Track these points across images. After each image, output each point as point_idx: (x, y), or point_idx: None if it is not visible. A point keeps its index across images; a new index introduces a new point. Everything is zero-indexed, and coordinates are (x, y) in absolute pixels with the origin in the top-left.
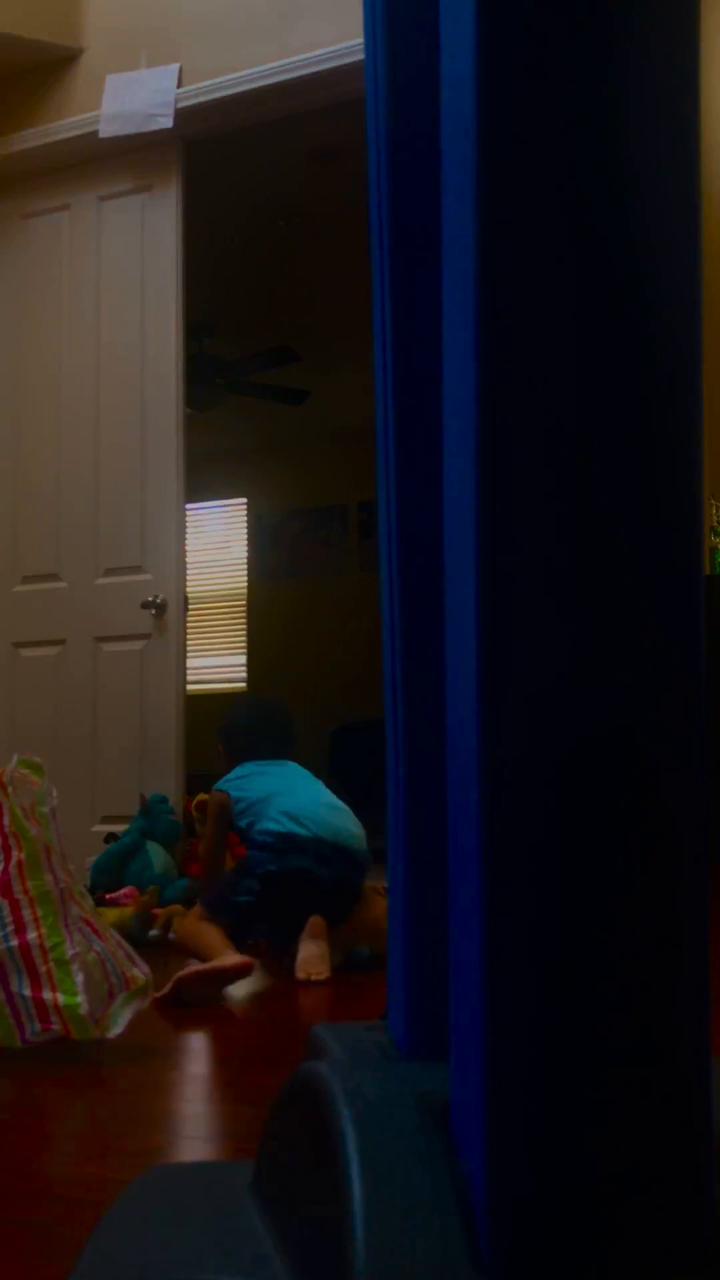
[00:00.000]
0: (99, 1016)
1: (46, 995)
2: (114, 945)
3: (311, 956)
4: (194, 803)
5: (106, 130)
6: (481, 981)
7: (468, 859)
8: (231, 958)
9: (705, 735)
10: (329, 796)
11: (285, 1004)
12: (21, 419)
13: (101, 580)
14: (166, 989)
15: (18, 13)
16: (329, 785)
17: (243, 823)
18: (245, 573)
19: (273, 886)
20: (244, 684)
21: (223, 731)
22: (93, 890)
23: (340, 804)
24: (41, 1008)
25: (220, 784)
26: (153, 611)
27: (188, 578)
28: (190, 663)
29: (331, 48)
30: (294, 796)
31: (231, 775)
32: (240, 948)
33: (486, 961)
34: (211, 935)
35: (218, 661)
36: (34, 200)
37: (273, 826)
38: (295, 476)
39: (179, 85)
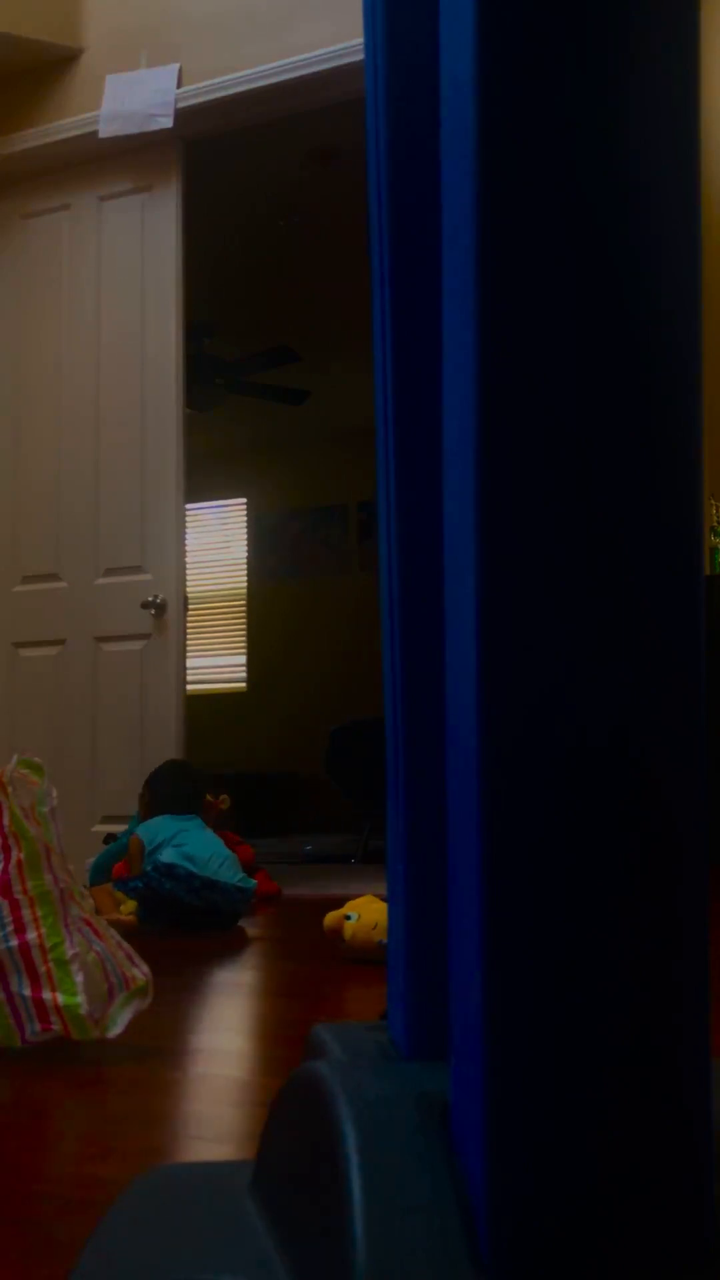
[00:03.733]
0: (99, 1016)
1: (46, 995)
2: (114, 945)
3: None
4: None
5: (106, 130)
6: (481, 981)
7: (467, 859)
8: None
9: (705, 736)
10: (218, 846)
11: (285, 1004)
12: (21, 419)
13: (101, 580)
14: None
15: (18, 13)
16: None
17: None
18: (245, 573)
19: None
20: (244, 684)
21: (150, 785)
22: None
23: (226, 853)
24: (41, 1008)
25: (139, 830)
26: (153, 611)
27: (188, 578)
28: (190, 663)
29: (331, 48)
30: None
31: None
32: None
33: (486, 961)
34: (105, 897)
35: (218, 661)
36: (34, 200)
37: (161, 858)
38: (295, 476)
39: (179, 85)
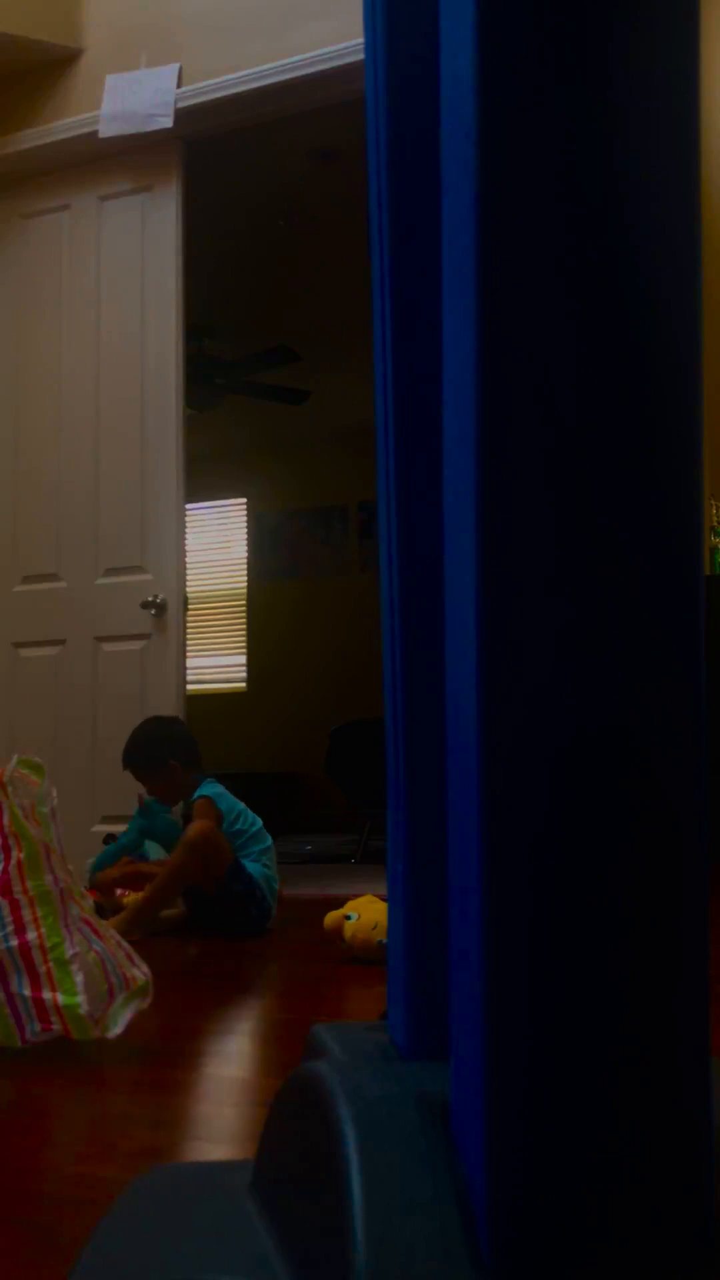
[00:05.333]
0: (99, 1016)
1: (46, 995)
2: (114, 945)
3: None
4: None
5: (106, 130)
6: (481, 981)
7: (467, 858)
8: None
9: (705, 735)
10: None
11: (285, 1004)
12: (21, 419)
13: (101, 580)
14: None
15: (18, 13)
16: (329, 786)
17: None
18: (245, 573)
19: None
20: (244, 684)
21: (165, 743)
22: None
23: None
24: (41, 1008)
25: (209, 795)
26: (153, 611)
27: (188, 578)
28: (190, 663)
29: (331, 48)
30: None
31: (215, 791)
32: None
33: (486, 961)
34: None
35: (218, 661)
36: (34, 200)
37: (251, 868)
38: (295, 476)
39: (179, 85)
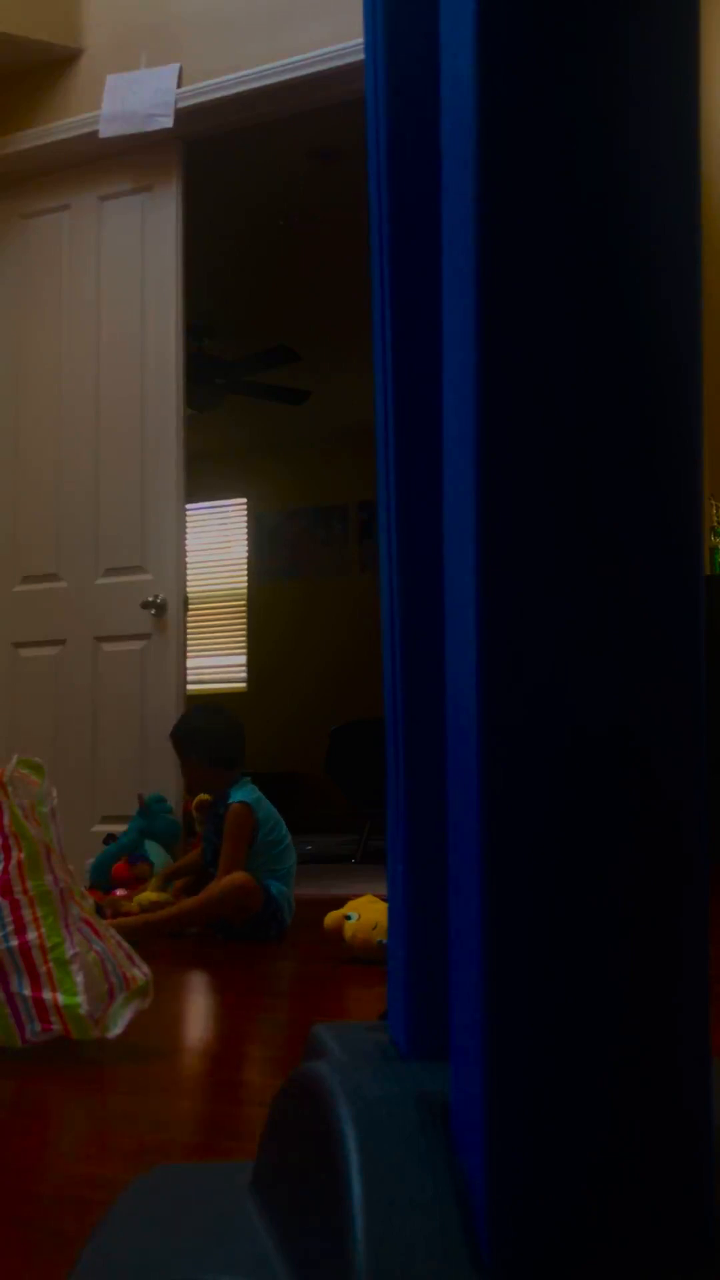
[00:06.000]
0: (99, 1016)
1: (46, 995)
2: (114, 945)
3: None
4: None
5: (107, 130)
6: (481, 981)
7: (467, 858)
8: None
9: (705, 735)
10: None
11: (285, 1004)
12: (21, 419)
13: (101, 580)
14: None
15: (18, 13)
16: (329, 786)
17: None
18: (245, 573)
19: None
20: (244, 684)
21: (193, 736)
22: (106, 889)
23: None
24: (41, 1008)
25: (249, 801)
26: (153, 611)
27: (188, 578)
28: (190, 663)
29: (331, 48)
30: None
31: (253, 797)
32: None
33: (486, 961)
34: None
35: (218, 661)
36: (34, 200)
37: (276, 892)
38: (295, 476)
39: (179, 85)
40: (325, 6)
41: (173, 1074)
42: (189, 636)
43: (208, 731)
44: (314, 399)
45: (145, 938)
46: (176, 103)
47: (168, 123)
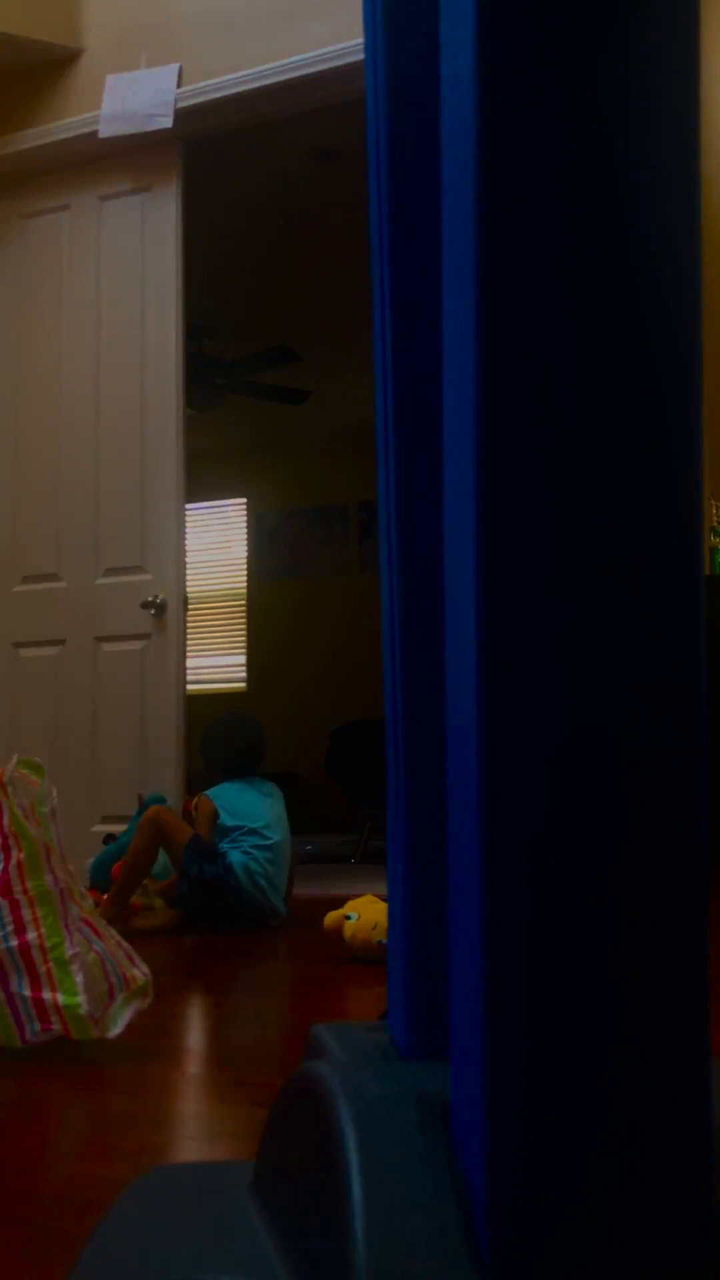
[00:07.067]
0: (99, 1016)
1: (46, 995)
2: (114, 945)
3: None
4: (193, 802)
5: (107, 130)
6: (481, 981)
7: (467, 858)
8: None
9: (705, 735)
10: (285, 831)
11: (285, 1004)
12: (21, 419)
13: (101, 580)
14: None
15: (18, 13)
16: (329, 786)
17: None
18: (245, 573)
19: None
20: (244, 684)
21: (205, 744)
22: (106, 889)
23: (287, 847)
24: (41, 1008)
25: (207, 793)
26: (153, 611)
27: (188, 578)
28: (190, 663)
29: (331, 48)
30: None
31: (215, 790)
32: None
33: (486, 961)
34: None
35: (218, 661)
36: (34, 200)
37: (232, 859)
38: (295, 476)
39: (179, 85)
40: (325, 6)
41: (173, 1074)
42: (189, 636)
43: (225, 743)
44: (314, 399)
45: (111, 913)
46: (176, 103)
47: (167, 123)
